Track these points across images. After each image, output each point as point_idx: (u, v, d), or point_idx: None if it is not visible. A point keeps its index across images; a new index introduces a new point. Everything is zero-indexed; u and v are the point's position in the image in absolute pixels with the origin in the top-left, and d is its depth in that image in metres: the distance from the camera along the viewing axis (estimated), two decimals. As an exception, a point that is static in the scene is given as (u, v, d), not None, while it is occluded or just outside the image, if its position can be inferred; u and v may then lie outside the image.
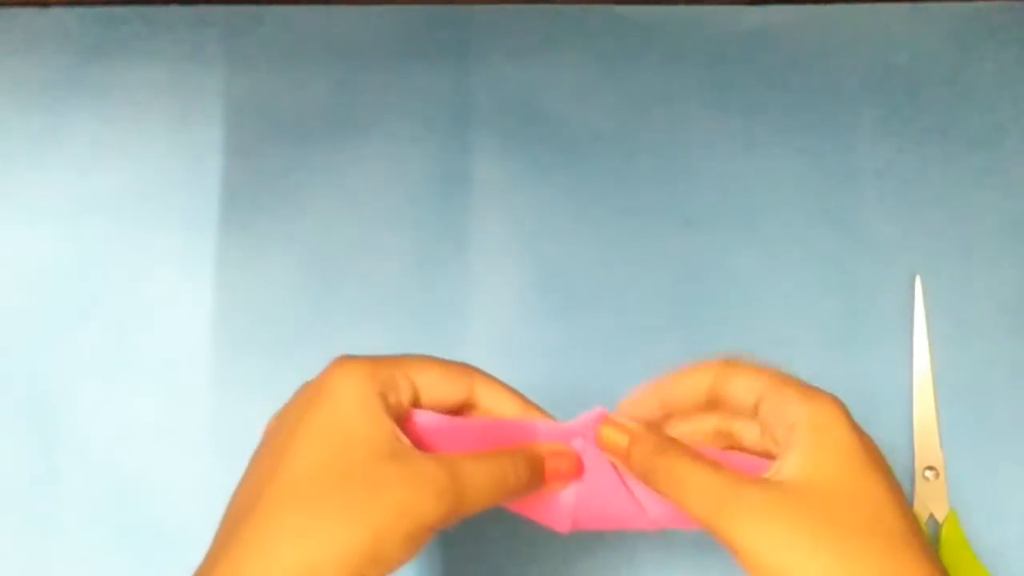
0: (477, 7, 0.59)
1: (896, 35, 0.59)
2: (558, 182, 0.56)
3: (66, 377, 0.53)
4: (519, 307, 0.55)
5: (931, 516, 0.51)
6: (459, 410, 0.39)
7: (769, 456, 0.38)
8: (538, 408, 0.40)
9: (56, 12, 0.58)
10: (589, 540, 0.51)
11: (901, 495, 0.35)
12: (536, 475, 0.38)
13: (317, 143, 0.57)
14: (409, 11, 0.59)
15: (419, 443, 0.37)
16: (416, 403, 0.37)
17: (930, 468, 0.52)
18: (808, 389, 0.37)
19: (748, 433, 0.40)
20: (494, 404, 0.39)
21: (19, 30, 0.58)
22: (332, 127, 0.57)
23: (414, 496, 0.33)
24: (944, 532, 0.51)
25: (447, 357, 0.39)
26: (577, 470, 0.39)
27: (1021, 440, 0.53)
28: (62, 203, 0.56)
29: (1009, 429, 0.53)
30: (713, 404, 0.40)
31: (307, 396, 0.36)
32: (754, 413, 0.38)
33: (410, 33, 0.59)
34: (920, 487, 0.52)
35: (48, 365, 0.54)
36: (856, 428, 0.36)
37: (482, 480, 0.35)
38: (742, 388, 0.39)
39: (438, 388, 0.38)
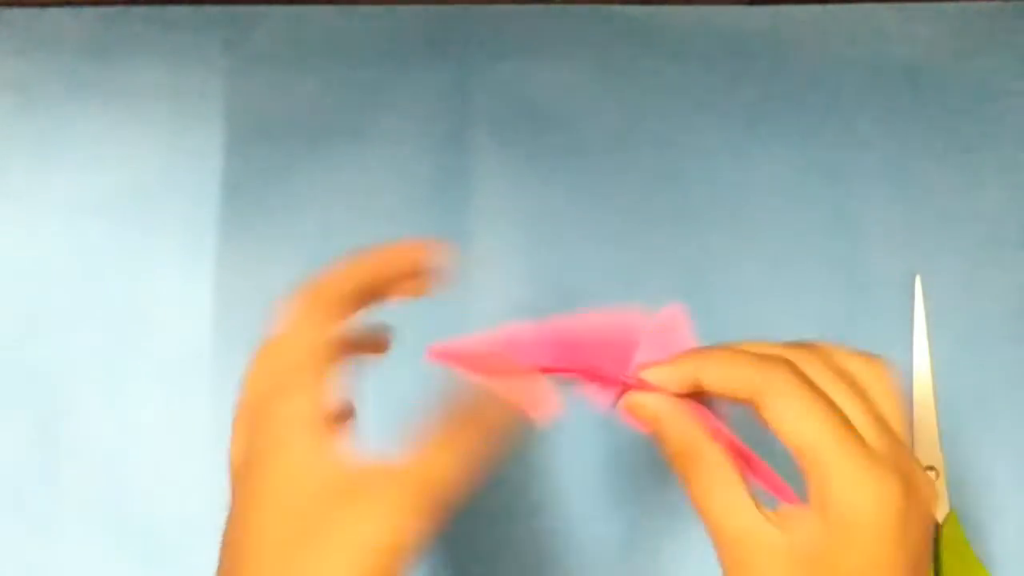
0: (477, 7, 0.59)
1: (896, 35, 0.59)
2: (558, 182, 0.56)
3: (66, 377, 0.53)
4: (519, 307, 0.55)
5: (931, 516, 0.51)
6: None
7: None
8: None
9: (56, 12, 0.58)
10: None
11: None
12: (502, 427, 0.36)
13: (317, 143, 0.57)
14: (409, 11, 0.59)
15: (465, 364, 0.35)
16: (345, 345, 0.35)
17: (930, 468, 0.52)
18: (801, 425, 0.33)
19: None
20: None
21: (19, 30, 0.58)
22: (332, 127, 0.57)
23: (385, 529, 0.32)
24: (944, 532, 0.51)
25: None
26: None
27: (1021, 440, 0.53)
28: (62, 203, 0.56)
29: (1009, 429, 0.53)
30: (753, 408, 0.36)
31: (261, 444, 0.34)
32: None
33: (410, 33, 0.58)
34: (920, 487, 0.52)
35: (48, 365, 0.54)
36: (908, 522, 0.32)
37: (456, 474, 0.34)
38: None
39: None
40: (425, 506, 0.32)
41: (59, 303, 0.54)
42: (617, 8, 0.59)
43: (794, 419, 0.33)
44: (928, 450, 0.52)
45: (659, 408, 0.35)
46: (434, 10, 0.59)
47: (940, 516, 0.51)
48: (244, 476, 0.35)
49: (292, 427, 0.34)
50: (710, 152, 0.57)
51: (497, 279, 0.55)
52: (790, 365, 0.34)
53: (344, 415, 0.35)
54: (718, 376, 0.35)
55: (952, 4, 0.59)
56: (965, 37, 0.59)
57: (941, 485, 0.52)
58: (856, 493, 0.31)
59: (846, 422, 0.33)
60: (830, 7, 0.59)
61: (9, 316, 0.54)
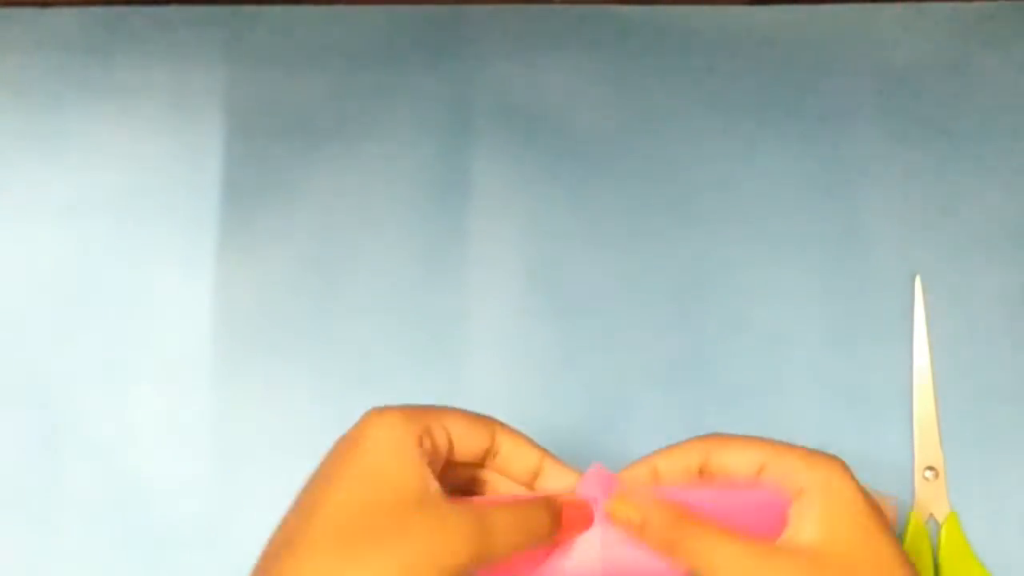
0: (477, 7, 0.59)
1: (896, 35, 0.59)
2: (558, 182, 0.56)
3: (67, 377, 0.53)
4: (519, 306, 0.55)
5: (931, 516, 0.51)
6: (483, 457, 0.41)
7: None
8: (552, 456, 0.41)
9: (56, 12, 0.58)
10: None
11: (904, 554, 0.36)
12: (556, 522, 0.39)
13: (317, 143, 0.57)
14: (409, 11, 0.59)
15: None
16: (449, 447, 0.39)
17: (930, 468, 0.52)
18: (812, 454, 0.38)
19: None
20: (513, 449, 0.40)
21: (19, 30, 0.58)
22: (332, 127, 0.57)
23: (442, 540, 0.35)
24: (944, 532, 0.51)
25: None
26: (589, 520, 0.40)
27: (1021, 440, 0.53)
28: (62, 203, 0.56)
29: (1009, 429, 0.53)
30: (706, 477, 0.41)
31: (344, 445, 0.38)
32: (754, 482, 0.39)
33: (410, 33, 0.59)
34: (920, 487, 0.52)
35: (49, 365, 0.54)
36: (862, 490, 0.37)
37: (508, 525, 0.37)
38: (741, 458, 0.39)
39: (467, 437, 0.39)
40: (480, 539, 0.35)
41: (60, 303, 0.54)
42: (617, 8, 0.59)
43: (745, 452, 0.39)
44: (928, 450, 0.52)
45: (633, 511, 0.39)
46: (434, 10, 0.59)
47: (940, 516, 0.51)
48: (317, 472, 0.38)
49: (382, 437, 0.37)
50: (710, 152, 0.57)
51: (497, 279, 0.55)
52: (719, 436, 0.41)
53: (432, 453, 0.38)
54: (670, 464, 0.41)
55: (952, 4, 0.59)
56: (965, 37, 0.59)
57: (941, 485, 0.52)
58: (821, 464, 0.37)
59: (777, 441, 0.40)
60: (830, 7, 0.59)
61: (10, 316, 0.54)
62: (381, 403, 0.43)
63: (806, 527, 0.37)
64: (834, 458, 0.38)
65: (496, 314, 0.55)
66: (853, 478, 0.37)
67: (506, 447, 0.40)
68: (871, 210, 0.56)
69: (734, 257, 0.55)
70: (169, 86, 0.57)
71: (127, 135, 0.57)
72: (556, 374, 0.54)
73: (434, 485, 0.37)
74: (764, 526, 0.38)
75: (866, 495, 0.37)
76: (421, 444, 0.37)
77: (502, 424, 0.41)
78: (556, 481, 0.41)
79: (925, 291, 0.55)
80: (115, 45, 0.58)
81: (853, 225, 0.56)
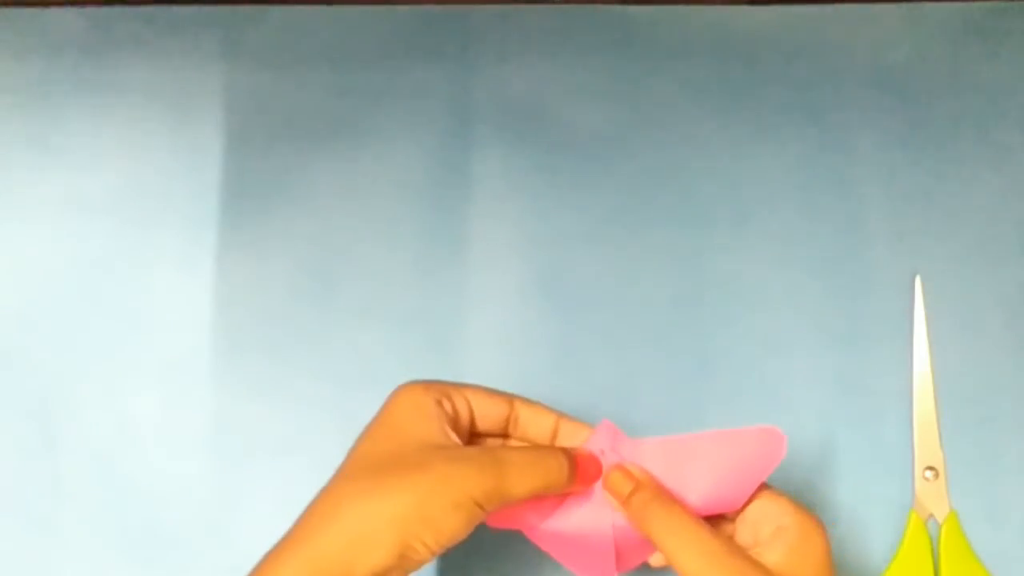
0: (477, 7, 0.59)
1: (895, 35, 0.59)
2: (558, 182, 0.56)
3: (66, 377, 0.53)
4: (519, 307, 0.55)
5: (931, 516, 0.51)
6: (504, 427, 0.44)
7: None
8: (567, 417, 0.45)
9: (56, 12, 0.58)
10: None
11: None
12: (571, 471, 0.42)
13: (317, 143, 0.57)
14: (409, 11, 0.59)
15: None
16: (470, 415, 0.43)
17: (930, 468, 0.52)
18: (799, 503, 0.42)
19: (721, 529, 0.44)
20: (531, 415, 0.44)
21: (19, 30, 0.58)
22: (332, 127, 0.57)
23: (457, 469, 0.39)
24: (944, 532, 0.51)
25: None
26: (598, 472, 0.43)
27: (1021, 440, 0.53)
28: (62, 202, 0.56)
29: (1009, 429, 0.53)
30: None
31: (377, 413, 0.42)
32: (734, 515, 0.43)
33: (410, 33, 0.59)
34: (920, 487, 0.52)
35: (48, 365, 0.54)
36: (830, 550, 0.41)
37: (523, 463, 0.40)
38: None
39: (487, 406, 0.43)
40: (494, 475, 0.39)
41: (59, 303, 0.54)
42: (618, 8, 0.59)
43: None
44: (928, 450, 0.52)
45: (626, 481, 0.43)
46: (434, 10, 0.59)
47: (940, 516, 0.51)
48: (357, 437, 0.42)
49: (405, 400, 0.42)
50: (710, 152, 0.57)
51: (497, 279, 0.55)
52: None
53: (452, 415, 0.42)
54: None
55: (952, 4, 0.59)
56: (965, 37, 0.59)
57: (941, 485, 0.52)
58: (807, 517, 0.41)
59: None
60: (829, 7, 0.59)
61: (9, 315, 0.54)
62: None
63: (775, 551, 0.40)
64: (820, 520, 0.41)
65: (496, 314, 0.55)
66: (828, 539, 0.41)
67: (524, 414, 0.44)
68: (871, 210, 0.56)
69: (734, 257, 0.55)
70: (169, 86, 0.57)
71: (127, 135, 0.57)
72: (556, 374, 0.54)
73: (453, 436, 0.41)
74: (747, 467, 0.42)
75: (830, 558, 0.40)
76: (440, 405, 0.41)
77: (520, 396, 0.44)
78: (572, 439, 0.44)
79: (925, 291, 0.55)
80: (115, 45, 0.58)
81: (853, 225, 0.56)
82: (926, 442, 0.52)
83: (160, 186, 0.56)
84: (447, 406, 0.42)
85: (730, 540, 0.41)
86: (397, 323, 0.55)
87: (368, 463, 0.40)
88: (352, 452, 0.41)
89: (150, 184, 0.56)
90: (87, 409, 0.53)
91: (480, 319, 0.54)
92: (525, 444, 0.45)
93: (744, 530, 0.42)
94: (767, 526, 0.41)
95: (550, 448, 0.43)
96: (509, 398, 0.44)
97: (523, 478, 0.40)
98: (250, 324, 0.55)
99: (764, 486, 0.42)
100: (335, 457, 0.41)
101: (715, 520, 0.43)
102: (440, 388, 0.42)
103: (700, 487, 0.42)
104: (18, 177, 0.56)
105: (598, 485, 0.43)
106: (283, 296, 0.55)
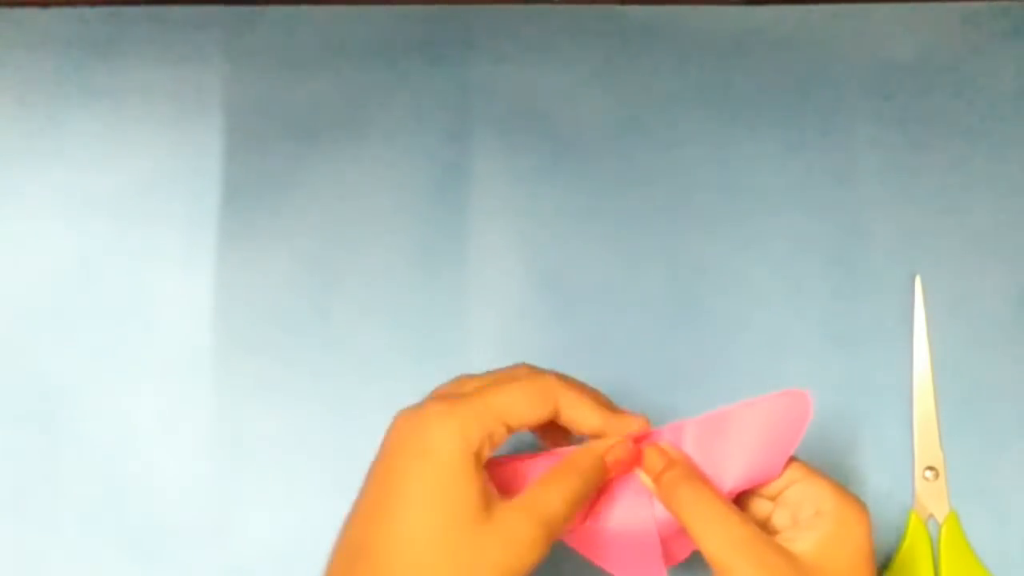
0: (477, 7, 0.59)
1: (896, 34, 0.59)
2: (558, 182, 0.56)
3: (66, 377, 0.53)
4: (519, 307, 0.55)
5: (931, 516, 0.51)
6: (546, 424, 0.42)
7: (767, 526, 0.43)
8: (622, 412, 0.43)
9: (56, 12, 0.58)
10: None
11: None
12: (602, 473, 0.41)
13: (317, 143, 0.57)
14: (409, 11, 0.59)
15: (494, 479, 0.40)
16: (506, 431, 0.40)
17: (930, 468, 0.52)
18: (843, 488, 0.40)
19: (759, 509, 0.43)
20: (575, 416, 0.42)
21: (19, 30, 0.58)
22: (332, 127, 0.57)
23: (512, 555, 0.38)
24: (944, 532, 0.51)
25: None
26: (635, 456, 0.42)
27: (1021, 440, 0.53)
28: (62, 202, 0.56)
29: (1009, 429, 0.53)
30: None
31: (413, 450, 0.39)
32: (775, 494, 0.42)
33: (410, 33, 0.59)
34: (920, 487, 0.52)
35: (48, 365, 0.54)
36: (871, 537, 0.39)
37: (562, 509, 0.39)
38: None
39: (526, 414, 0.40)
40: (543, 536, 0.38)
41: (59, 302, 0.54)
42: (617, 8, 0.59)
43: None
44: (928, 450, 0.52)
45: (659, 458, 0.42)
46: (434, 10, 0.59)
47: (940, 516, 0.51)
48: (387, 470, 0.39)
49: (448, 452, 0.38)
50: (710, 152, 0.57)
51: (497, 279, 0.55)
52: None
53: (487, 458, 0.40)
54: None
55: (952, 4, 0.59)
56: (965, 37, 0.59)
57: (941, 485, 0.52)
58: (849, 500, 0.40)
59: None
60: (830, 7, 0.59)
61: (9, 316, 0.54)
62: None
63: (806, 539, 0.39)
64: (861, 501, 0.40)
65: (496, 314, 0.55)
66: (870, 524, 0.39)
67: (567, 413, 0.41)
68: (871, 210, 0.56)
69: (734, 257, 0.55)
70: (169, 86, 0.57)
71: (127, 135, 0.57)
72: (556, 374, 0.54)
73: (492, 493, 0.39)
74: (778, 434, 0.41)
75: (872, 543, 0.39)
76: (479, 456, 0.38)
77: (564, 385, 0.42)
78: (620, 432, 0.42)
79: (925, 291, 0.55)
80: (115, 45, 0.58)
81: (853, 225, 0.56)
82: (926, 442, 0.52)
83: (160, 186, 0.56)
84: (486, 451, 0.39)
85: (758, 527, 0.39)
86: (397, 322, 0.55)
87: (416, 543, 0.37)
88: (394, 516, 0.38)
89: (150, 184, 0.56)
90: (87, 409, 0.53)
91: (480, 318, 0.54)
92: (557, 452, 0.43)
93: (783, 512, 0.42)
94: (807, 509, 0.40)
95: (576, 468, 0.41)
96: (551, 399, 0.41)
97: (567, 519, 0.39)
98: (250, 324, 0.55)
99: (809, 470, 0.41)
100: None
101: (754, 500, 0.43)
102: (480, 427, 0.39)
103: (736, 463, 0.42)
104: (18, 176, 0.56)
105: (638, 480, 0.42)
106: (283, 296, 0.55)
